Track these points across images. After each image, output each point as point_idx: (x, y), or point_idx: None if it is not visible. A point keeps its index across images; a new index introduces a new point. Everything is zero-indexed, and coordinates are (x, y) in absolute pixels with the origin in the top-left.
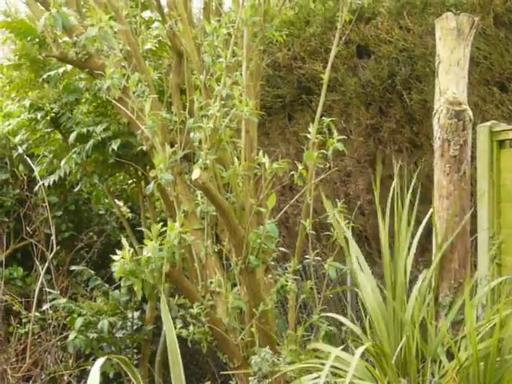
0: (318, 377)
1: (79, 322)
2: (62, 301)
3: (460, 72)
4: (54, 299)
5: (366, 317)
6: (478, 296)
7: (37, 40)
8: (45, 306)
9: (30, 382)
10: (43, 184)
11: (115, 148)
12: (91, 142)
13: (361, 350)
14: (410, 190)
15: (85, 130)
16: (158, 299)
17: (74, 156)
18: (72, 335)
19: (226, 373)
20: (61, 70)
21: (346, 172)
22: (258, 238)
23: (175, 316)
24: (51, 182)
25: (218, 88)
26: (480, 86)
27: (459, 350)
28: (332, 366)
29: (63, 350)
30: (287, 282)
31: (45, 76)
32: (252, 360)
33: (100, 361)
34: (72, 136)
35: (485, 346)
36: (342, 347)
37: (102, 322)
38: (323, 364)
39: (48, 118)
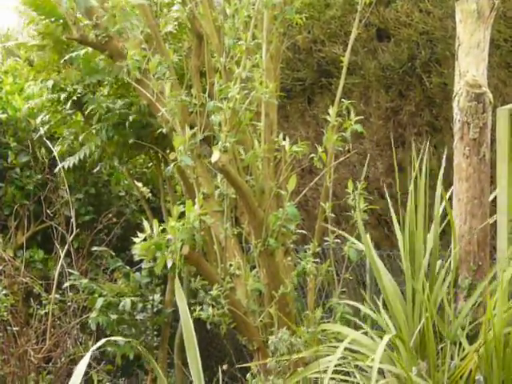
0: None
1: (100, 301)
2: (84, 281)
3: (480, 54)
4: (75, 280)
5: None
6: (498, 280)
7: (61, 21)
8: (66, 284)
9: (50, 363)
10: (63, 167)
11: (130, 119)
12: (110, 121)
13: (385, 340)
14: (429, 173)
15: (104, 108)
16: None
17: (96, 139)
18: (94, 314)
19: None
20: (82, 52)
21: (366, 155)
22: (278, 220)
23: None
24: (71, 165)
25: (237, 70)
26: (500, 69)
27: (478, 333)
28: (350, 349)
29: (83, 332)
30: (307, 264)
31: (66, 57)
32: (269, 340)
33: (98, 344)
34: (94, 119)
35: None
36: (361, 332)
37: (124, 301)
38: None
39: (70, 99)
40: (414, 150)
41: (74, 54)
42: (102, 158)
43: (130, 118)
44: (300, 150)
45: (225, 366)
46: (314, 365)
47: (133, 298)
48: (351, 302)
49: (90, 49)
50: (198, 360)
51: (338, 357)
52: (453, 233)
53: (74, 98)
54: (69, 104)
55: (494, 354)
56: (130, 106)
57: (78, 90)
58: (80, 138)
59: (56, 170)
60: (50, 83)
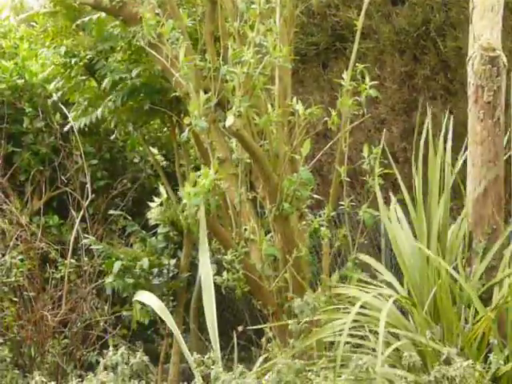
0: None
1: (117, 265)
2: (100, 246)
3: (494, 18)
4: (92, 244)
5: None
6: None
7: None
8: (83, 244)
9: (67, 328)
10: (76, 131)
11: (145, 91)
12: (127, 88)
13: (391, 300)
14: (443, 137)
15: (117, 77)
16: (192, 246)
17: (109, 104)
18: (110, 278)
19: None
20: (95, 17)
21: (380, 119)
22: (292, 184)
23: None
24: (82, 125)
25: (251, 35)
26: None
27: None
28: (364, 314)
29: (99, 297)
30: (321, 226)
31: (79, 22)
32: (295, 303)
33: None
34: (105, 82)
35: None
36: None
37: (143, 261)
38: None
39: (82, 64)
40: (429, 114)
41: (86, 19)
42: (117, 123)
43: (143, 86)
44: (314, 113)
45: (240, 328)
46: (328, 327)
47: (151, 258)
48: (367, 258)
49: (103, 14)
50: (214, 323)
51: (351, 319)
52: (467, 197)
53: (82, 63)
54: (80, 69)
55: (507, 317)
56: (142, 73)
57: (91, 56)
58: (94, 104)
59: (65, 128)
60: (63, 49)
